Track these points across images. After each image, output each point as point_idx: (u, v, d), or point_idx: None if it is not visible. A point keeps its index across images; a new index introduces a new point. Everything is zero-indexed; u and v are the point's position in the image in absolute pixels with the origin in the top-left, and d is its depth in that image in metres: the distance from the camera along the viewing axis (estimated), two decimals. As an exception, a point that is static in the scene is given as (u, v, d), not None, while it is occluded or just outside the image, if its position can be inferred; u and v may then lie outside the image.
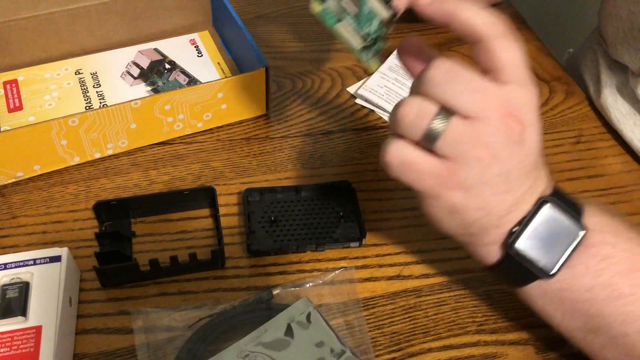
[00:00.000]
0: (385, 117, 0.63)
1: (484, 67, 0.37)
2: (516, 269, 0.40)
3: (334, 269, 0.50)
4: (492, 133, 0.36)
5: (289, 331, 0.44)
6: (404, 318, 0.48)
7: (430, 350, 0.46)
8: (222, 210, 0.53)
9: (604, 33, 0.64)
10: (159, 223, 0.53)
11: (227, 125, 0.61)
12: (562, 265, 0.39)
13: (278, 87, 0.65)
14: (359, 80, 0.66)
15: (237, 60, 0.65)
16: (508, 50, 0.37)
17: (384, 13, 0.40)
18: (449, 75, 0.36)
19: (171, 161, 0.57)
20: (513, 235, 0.39)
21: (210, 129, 0.60)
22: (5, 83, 0.60)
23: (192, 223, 0.53)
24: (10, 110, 0.58)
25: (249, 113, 0.61)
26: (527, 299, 0.42)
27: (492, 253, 0.41)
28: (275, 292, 0.47)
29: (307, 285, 0.48)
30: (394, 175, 0.38)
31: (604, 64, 0.64)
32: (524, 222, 0.39)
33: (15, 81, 0.60)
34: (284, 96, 0.64)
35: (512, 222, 0.39)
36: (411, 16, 0.41)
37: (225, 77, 0.63)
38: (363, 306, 0.48)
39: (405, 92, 0.64)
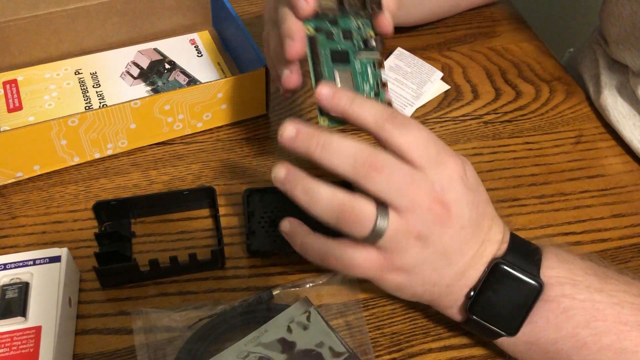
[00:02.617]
0: (386, 117, 0.63)
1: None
2: (480, 328, 0.42)
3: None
4: (422, 222, 0.38)
5: (289, 331, 0.44)
6: (404, 318, 0.48)
7: (430, 350, 0.46)
8: (222, 211, 0.53)
9: (606, 33, 0.64)
10: (158, 223, 0.52)
11: (227, 125, 0.61)
12: (522, 322, 0.40)
13: (278, 87, 0.65)
14: (359, 80, 0.66)
15: (237, 60, 0.65)
16: (402, 136, 0.37)
17: (374, 55, 0.44)
18: (385, 174, 0.37)
19: (171, 161, 0.57)
20: (470, 300, 0.41)
21: (210, 129, 0.60)
22: (5, 83, 0.60)
23: (192, 223, 0.53)
24: (10, 110, 0.58)
25: (249, 113, 0.61)
26: (502, 348, 0.44)
27: (455, 315, 0.43)
28: (275, 292, 0.47)
29: (307, 286, 0.48)
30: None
31: (604, 64, 0.64)
32: (478, 287, 0.41)
33: (15, 81, 0.60)
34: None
35: (463, 287, 0.41)
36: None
37: (225, 77, 0.63)
38: (363, 306, 0.48)
39: (405, 92, 0.64)
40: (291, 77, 0.45)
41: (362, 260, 0.40)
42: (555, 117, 0.64)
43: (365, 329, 0.46)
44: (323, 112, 0.41)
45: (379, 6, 0.43)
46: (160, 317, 0.45)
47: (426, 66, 0.67)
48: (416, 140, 0.38)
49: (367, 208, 0.38)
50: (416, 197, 0.37)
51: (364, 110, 0.38)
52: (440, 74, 0.67)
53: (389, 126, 0.37)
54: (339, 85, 0.41)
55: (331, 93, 0.39)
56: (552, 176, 0.58)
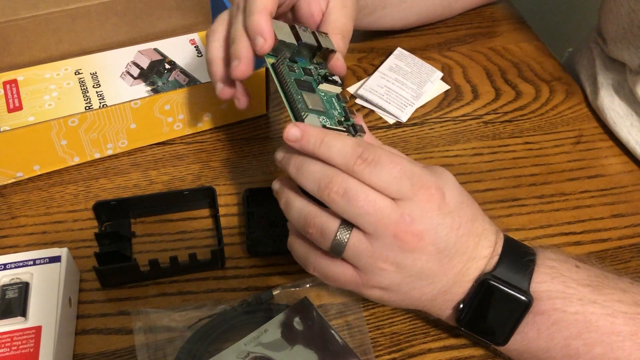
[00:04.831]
0: (385, 117, 0.63)
1: None
2: (471, 336, 0.43)
3: (334, 269, 0.49)
4: (388, 248, 0.38)
5: (288, 331, 0.44)
6: (404, 318, 0.48)
7: (430, 350, 0.46)
8: (222, 211, 0.53)
9: (604, 31, 0.64)
10: (159, 223, 0.52)
11: (227, 125, 0.61)
12: (511, 334, 0.41)
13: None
14: (359, 80, 0.66)
15: (237, 60, 0.65)
16: (374, 177, 0.38)
17: (336, 89, 0.45)
18: (344, 196, 0.38)
19: (171, 161, 0.57)
20: (459, 313, 0.41)
21: (210, 129, 0.60)
22: (5, 83, 0.60)
23: (192, 223, 0.53)
24: (10, 110, 0.58)
25: (249, 113, 0.61)
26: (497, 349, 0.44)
27: (448, 322, 0.44)
28: (275, 292, 0.47)
29: (307, 286, 0.48)
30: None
31: (600, 63, 0.64)
32: (466, 300, 0.41)
33: (15, 81, 0.60)
34: (284, 96, 0.64)
35: (449, 301, 0.42)
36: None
37: (225, 77, 0.63)
38: (363, 306, 0.48)
39: (405, 92, 0.64)
40: (224, 90, 0.46)
41: (338, 273, 0.41)
42: (555, 117, 0.64)
43: (365, 329, 0.46)
44: (298, 121, 0.42)
45: (332, 49, 0.45)
46: (160, 317, 0.45)
47: (426, 66, 0.67)
48: (387, 180, 0.38)
49: (329, 222, 0.39)
50: (380, 225, 0.38)
51: (333, 153, 0.38)
52: (440, 74, 0.67)
53: (359, 168, 0.38)
54: (310, 106, 0.42)
55: (299, 134, 0.39)
56: (552, 176, 0.59)
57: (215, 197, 0.52)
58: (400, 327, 0.47)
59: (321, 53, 0.45)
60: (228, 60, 0.45)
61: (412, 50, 0.69)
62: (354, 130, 0.43)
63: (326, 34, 0.46)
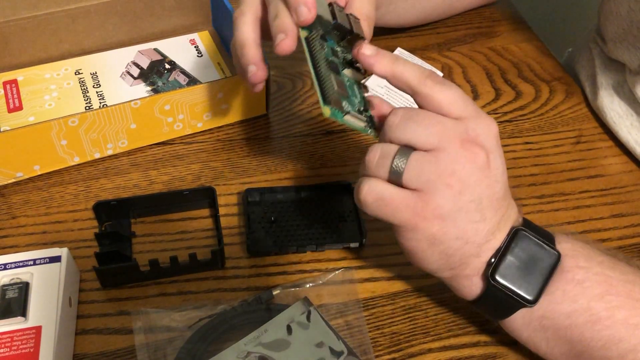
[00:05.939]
0: (385, 117, 0.63)
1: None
2: (499, 300, 0.41)
3: (334, 269, 0.49)
4: (455, 160, 0.38)
5: (289, 331, 0.44)
6: (404, 318, 0.48)
7: (430, 350, 0.46)
8: (222, 211, 0.53)
9: (604, 31, 0.64)
10: (159, 223, 0.52)
11: (227, 125, 0.61)
12: (542, 291, 0.40)
13: (278, 87, 0.65)
14: (359, 80, 0.66)
15: (237, 60, 0.65)
16: (443, 92, 0.39)
17: (358, 76, 0.45)
18: (405, 117, 0.39)
19: (171, 161, 0.57)
20: (491, 267, 0.41)
21: (210, 129, 0.60)
22: (5, 83, 0.60)
23: (192, 223, 0.53)
24: (10, 110, 0.58)
25: (249, 113, 0.61)
26: (513, 331, 0.43)
27: (474, 286, 0.42)
28: (275, 292, 0.47)
29: (307, 286, 0.48)
30: (371, 212, 0.40)
31: (600, 63, 0.64)
32: (500, 252, 0.41)
33: (15, 81, 0.60)
34: (284, 96, 0.64)
35: (490, 250, 0.41)
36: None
37: (225, 77, 0.63)
38: (363, 306, 0.48)
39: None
40: (257, 74, 0.45)
41: (398, 198, 0.39)
42: (555, 117, 0.64)
43: (365, 329, 0.46)
44: (326, 101, 0.41)
45: (361, 36, 0.45)
46: (160, 317, 0.45)
47: (426, 66, 0.67)
48: (455, 96, 0.39)
49: (388, 146, 0.40)
50: (445, 136, 0.38)
51: (407, 69, 0.40)
52: (440, 74, 0.67)
53: (431, 83, 0.39)
54: (335, 88, 0.42)
55: (375, 52, 0.41)
56: (552, 176, 0.59)
57: (215, 197, 0.52)
58: (400, 327, 0.47)
59: (350, 38, 0.45)
60: (258, 42, 0.45)
61: (412, 50, 0.69)
62: (372, 123, 0.43)
63: (358, 19, 0.45)
